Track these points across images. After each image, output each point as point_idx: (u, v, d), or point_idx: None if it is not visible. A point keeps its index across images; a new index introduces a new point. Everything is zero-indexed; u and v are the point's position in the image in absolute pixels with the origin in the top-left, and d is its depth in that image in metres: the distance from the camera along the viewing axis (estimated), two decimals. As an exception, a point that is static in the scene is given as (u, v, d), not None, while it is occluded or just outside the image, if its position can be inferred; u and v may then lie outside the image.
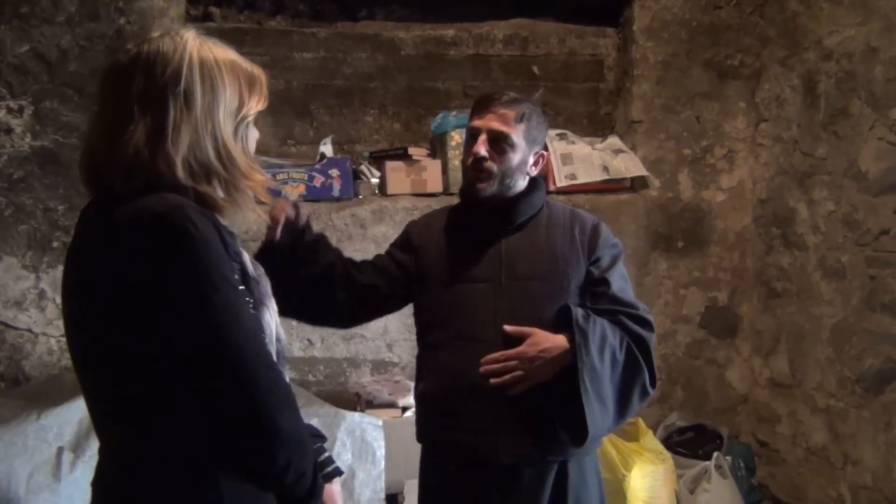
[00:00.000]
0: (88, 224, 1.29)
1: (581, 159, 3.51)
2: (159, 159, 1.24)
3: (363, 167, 3.48)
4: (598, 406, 1.78)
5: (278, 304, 1.35)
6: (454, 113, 3.44)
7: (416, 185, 3.42)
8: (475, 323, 1.85)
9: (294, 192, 3.39)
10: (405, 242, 2.04)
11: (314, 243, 1.93)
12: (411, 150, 3.41)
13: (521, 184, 1.92)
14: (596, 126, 3.83)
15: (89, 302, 1.24)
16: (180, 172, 1.25)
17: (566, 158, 3.52)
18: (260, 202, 1.41)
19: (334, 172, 3.33)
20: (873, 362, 2.92)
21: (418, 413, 2.02)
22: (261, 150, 3.30)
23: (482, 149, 1.85)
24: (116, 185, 1.24)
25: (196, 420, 1.21)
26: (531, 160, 1.92)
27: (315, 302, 1.92)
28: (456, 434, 1.87)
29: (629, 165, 3.55)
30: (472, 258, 1.90)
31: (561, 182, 3.48)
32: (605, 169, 3.53)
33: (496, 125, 1.86)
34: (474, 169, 1.87)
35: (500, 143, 1.85)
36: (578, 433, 1.78)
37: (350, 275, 1.96)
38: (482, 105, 1.89)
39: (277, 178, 3.35)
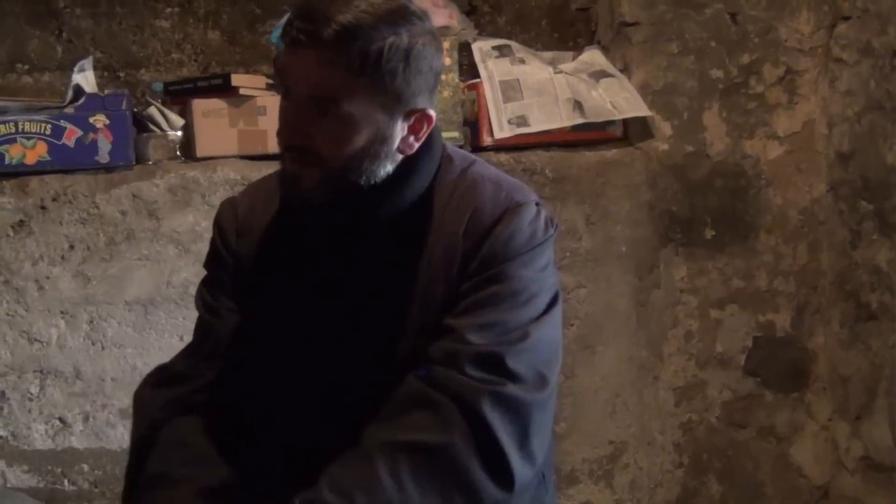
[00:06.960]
0: None
1: (536, 91, 2.88)
2: None
3: (153, 110, 2.84)
4: None
5: None
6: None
7: (247, 141, 2.72)
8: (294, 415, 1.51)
9: (29, 154, 2.70)
10: (224, 250, 1.57)
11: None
12: (237, 80, 2.76)
13: (385, 170, 1.42)
14: (562, 32, 3.25)
15: None
16: None
17: (510, 90, 2.85)
18: None
19: (100, 120, 2.70)
20: None
21: None
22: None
23: (291, 133, 1.35)
24: None
25: None
26: (401, 130, 1.38)
27: None
28: None
29: (619, 100, 2.92)
30: (298, 290, 1.47)
31: (501, 131, 2.79)
32: (578, 106, 2.90)
33: (312, 82, 1.32)
34: (290, 160, 1.38)
35: (326, 112, 1.33)
36: None
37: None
38: (292, 32, 1.32)
39: (-1, 132, 2.61)
